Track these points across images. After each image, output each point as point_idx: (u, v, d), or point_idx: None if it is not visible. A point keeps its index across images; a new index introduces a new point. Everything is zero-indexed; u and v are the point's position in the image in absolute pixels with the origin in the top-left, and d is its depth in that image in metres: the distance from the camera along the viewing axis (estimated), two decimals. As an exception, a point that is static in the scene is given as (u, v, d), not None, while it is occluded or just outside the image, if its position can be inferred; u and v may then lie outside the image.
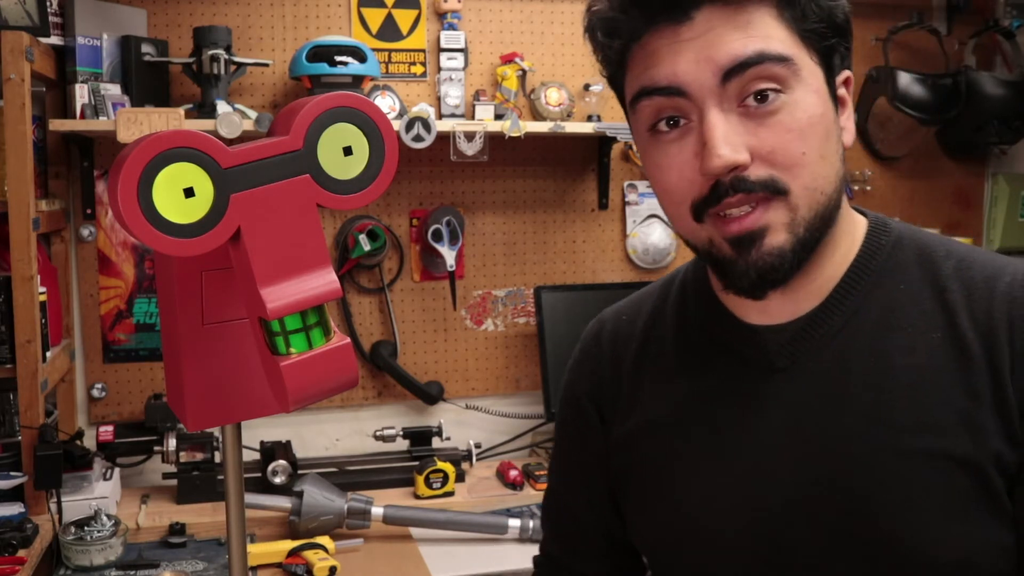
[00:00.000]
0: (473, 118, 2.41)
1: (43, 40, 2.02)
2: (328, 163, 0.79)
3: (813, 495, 0.86)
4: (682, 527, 0.94)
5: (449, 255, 2.44)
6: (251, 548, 1.91)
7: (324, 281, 0.79)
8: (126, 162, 0.69)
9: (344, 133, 0.80)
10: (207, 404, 0.90)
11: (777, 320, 0.90)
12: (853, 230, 0.91)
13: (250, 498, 2.06)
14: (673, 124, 0.83)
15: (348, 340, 0.81)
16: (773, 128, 0.80)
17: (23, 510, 1.87)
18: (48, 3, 2.05)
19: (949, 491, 0.81)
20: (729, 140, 0.79)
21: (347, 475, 2.32)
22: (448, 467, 2.25)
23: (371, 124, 0.81)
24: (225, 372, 0.91)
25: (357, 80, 2.24)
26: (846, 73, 0.87)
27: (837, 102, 0.86)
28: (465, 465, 2.38)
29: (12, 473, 1.90)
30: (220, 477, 2.15)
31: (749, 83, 0.79)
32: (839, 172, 0.84)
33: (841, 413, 0.86)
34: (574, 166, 2.60)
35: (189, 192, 0.71)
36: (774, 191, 0.80)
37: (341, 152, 0.80)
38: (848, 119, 0.87)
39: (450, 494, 2.24)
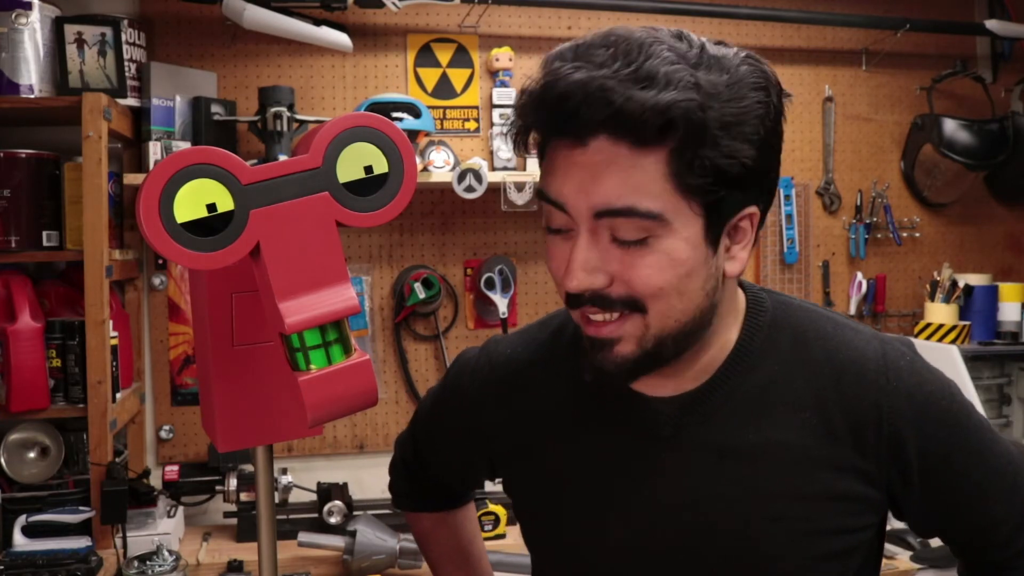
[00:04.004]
0: (525, 171, 2.48)
1: (121, 101, 2.17)
2: (347, 181, 0.80)
3: (691, 555, 0.95)
4: (572, 568, 1.04)
5: (502, 303, 2.50)
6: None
7: (342, 297, 0.80)
8: (149, 177, 0.72)
9: (363, 152, 0.81)
10: (238, 425, 0.92)
11: (665, 393, 0.96)
12: (736, 311, 0.97)
13: (305, 537, 2.11)
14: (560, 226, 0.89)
15: (367, 357, 0.82)
16: (635, 262, 0.84)
17: (90, 543, 1.94)
18: (127, 67, 2.20)
19: (812, 550, 0.93)
20: (588, 266, 0.85)
21: (401, 516, 2.33)
22: (500, 510, 2.28)
23: (390, 144, 0.82)
24: (255, 393, 0.92)
25: (412, 135, 2.32)
26: (750, 209, 0.88)
27: (720, 242, 0.88)
28: (516, 509, 2.39)
29: (80, 508, 2.00)
30: (279, 517, 2.21)
31: (617, 226, 0.84)
32: (700, 304, 0.89)
33: (718, 482, 0.94)
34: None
35: (211, 207, 0.73)
36: (632, 308, 0.86)
37: (361, 171, 0.81)
38: (742, 249, 0.90)
39: (501, 536, 2.27)
